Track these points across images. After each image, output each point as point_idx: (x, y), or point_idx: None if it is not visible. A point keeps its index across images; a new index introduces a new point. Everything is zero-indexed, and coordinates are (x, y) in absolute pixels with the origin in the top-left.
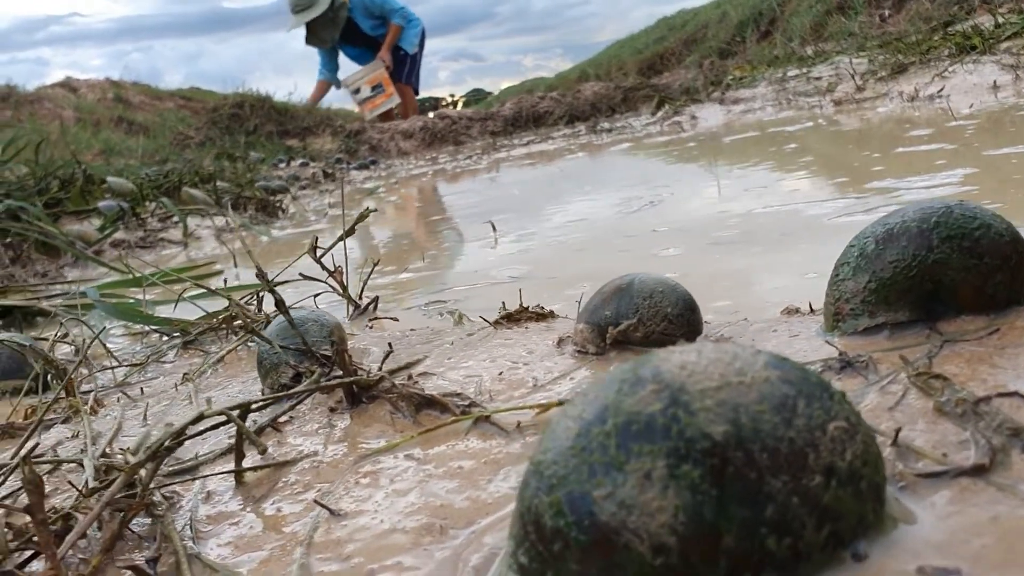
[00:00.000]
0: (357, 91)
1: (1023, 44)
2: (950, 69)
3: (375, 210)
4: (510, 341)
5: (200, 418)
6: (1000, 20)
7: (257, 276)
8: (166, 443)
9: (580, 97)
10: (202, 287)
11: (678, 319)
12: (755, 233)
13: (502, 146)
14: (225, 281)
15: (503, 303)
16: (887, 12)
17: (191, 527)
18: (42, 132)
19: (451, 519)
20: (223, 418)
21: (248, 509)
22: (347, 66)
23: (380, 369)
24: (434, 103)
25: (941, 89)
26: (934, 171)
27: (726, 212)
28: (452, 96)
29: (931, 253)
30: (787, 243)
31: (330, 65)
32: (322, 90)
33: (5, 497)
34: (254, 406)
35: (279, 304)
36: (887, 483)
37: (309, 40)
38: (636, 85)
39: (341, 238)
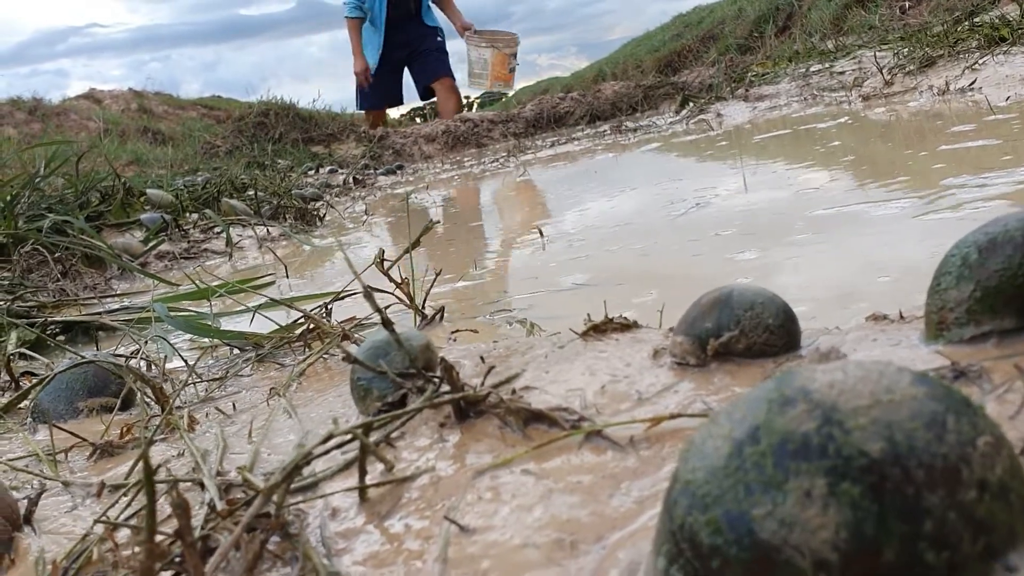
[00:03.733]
0: (515, 56)
1: None
2: (980, 61)
3: (438, 222)
4: (604, 354)
5: (329, 438)
6: None
7: (366, 299)
8: (298, 463)
9: (600, 96)
10: (280, 302)
11: (779, 330)
12: (828, 233)
13: (527, 148)
14: (288, 289)
15: (588, 315)
16: (907, 4)
17: (324, 544)
18: (71, 144)
19: (579, 534)
20: (346, 436)
21: (375, 525)
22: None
23: (483, 384)
24: None
25: (973, 82)
26: (1007, 167)
27: (786, 214)
28: (468, 97)
29: None
30: (870, 242)
31: None
32: (358, 31)
33: (129, 517)
34: (376, 424)
35: (387, 325)
36: None
37: None
38: (656, 83)
39: (407, 251)
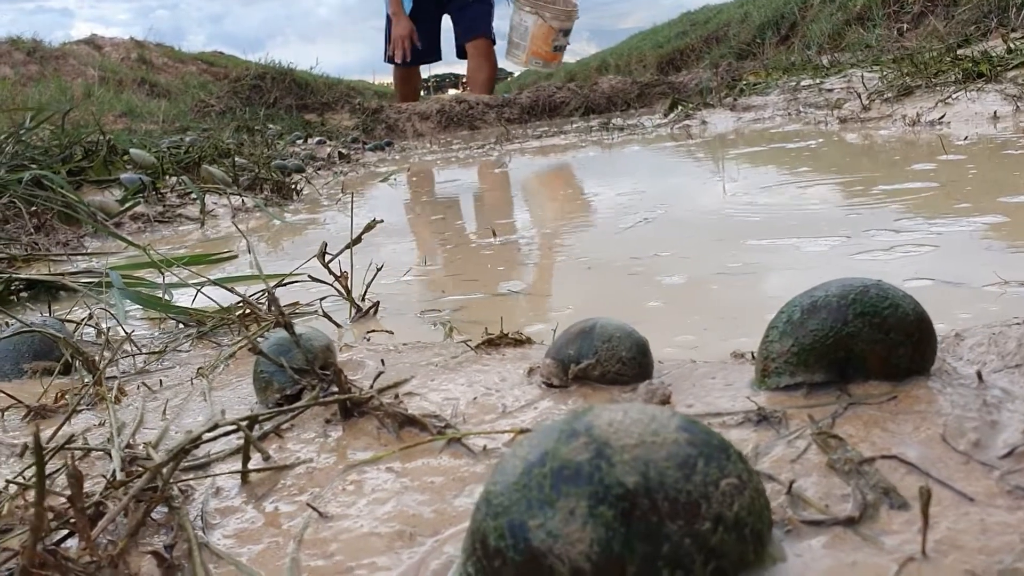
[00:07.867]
0: (567, 33)
1: None
2: (954, 96)
3: (381, 221)
4: (487, 368)
5: (215, 427)
6: (1012, 46)
7: (269, 303)
8: (185, 447)
9: (596, 90)
10: (221, 286)
11: (631, 362)
12: (760, 264)
13: (515, 137)
14: (256, 266)
15: (486, 329)
16: (905, 27)
17: (202, 518)
18: (66, 90)
19: (420, 528)
20: (233, 427)
21: (251, 505)
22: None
23: (372, 387)
24: (455, 80)
25: (942, 116)
26: (958, 214)
27: (725, 240)
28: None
29: (845, 326)
30: (792, 278)
31: None
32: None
33: (48, 475)
34: (261, 417)
35: (287, 328)
36: (776, 527)
37: None
38: (652, 82)
39: (348, 246)
